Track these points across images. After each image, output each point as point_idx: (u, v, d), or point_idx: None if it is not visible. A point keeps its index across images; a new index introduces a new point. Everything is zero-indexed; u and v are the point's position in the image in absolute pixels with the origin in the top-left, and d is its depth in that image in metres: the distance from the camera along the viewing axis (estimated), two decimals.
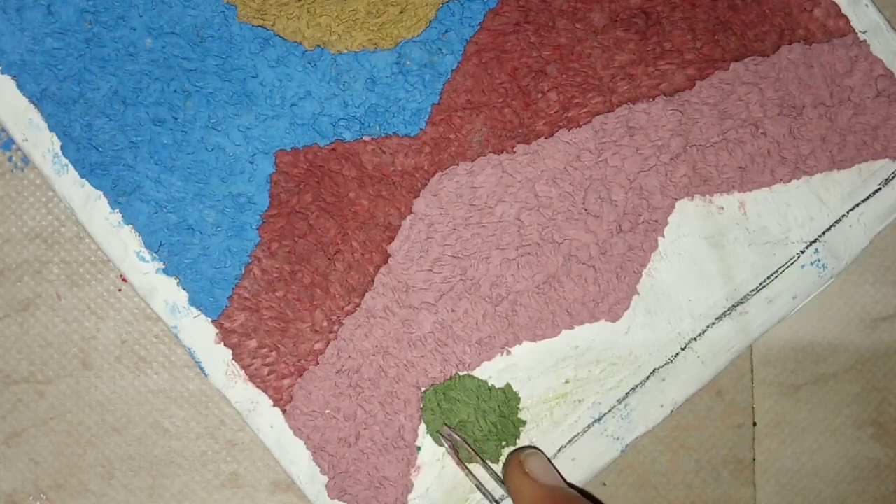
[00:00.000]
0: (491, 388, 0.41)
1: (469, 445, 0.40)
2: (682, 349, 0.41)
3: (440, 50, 0.41)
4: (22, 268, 0.43)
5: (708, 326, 0.42)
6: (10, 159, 0.43)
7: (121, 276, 0.43)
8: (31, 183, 0.43)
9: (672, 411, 0.41)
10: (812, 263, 0.42)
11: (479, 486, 0.39)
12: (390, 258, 0.40)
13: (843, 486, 0.45)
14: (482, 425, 0.41)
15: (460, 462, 0.40)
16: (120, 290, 0.43)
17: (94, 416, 0.43)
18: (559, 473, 0.40)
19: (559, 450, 0.41)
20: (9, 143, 0.43)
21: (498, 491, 0.40)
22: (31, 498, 0.43)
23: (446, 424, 0.40)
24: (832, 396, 0.45)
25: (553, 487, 0.37)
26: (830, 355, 0.45)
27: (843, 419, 0.45)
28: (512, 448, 0.41)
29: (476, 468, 0.40)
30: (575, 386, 0.41)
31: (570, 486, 0.40)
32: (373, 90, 0.41)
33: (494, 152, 0.41)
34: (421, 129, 0.41)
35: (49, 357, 0.43)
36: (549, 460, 0.40)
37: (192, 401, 0.43)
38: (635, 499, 0.45)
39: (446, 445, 0.40)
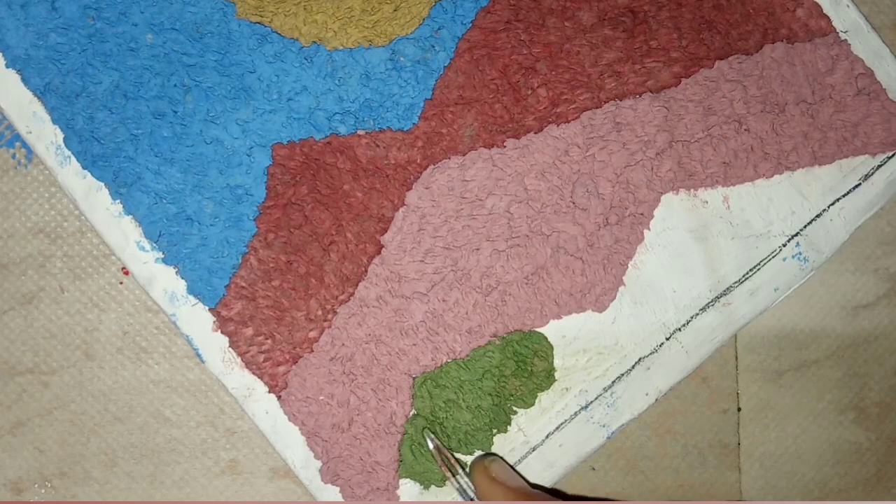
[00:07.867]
0: (482, 375, 0.41)
1: (449, 454, 0.41)
2: (667, 339, 0.42)
3: (433, 47, 0.41)
4: (26, 262, 0.43)
5: (692, 317, 0.42)
6: (13, 156, 0.43)
7: (122, 268, 0.44)
8: (34, 179, 0.43)
9: (657, 399, 0.42)
10: (793, 256, 0.43)
11: (461, 490, 0.40)
12: (383, 249, 0.41)
13: (826, 469, 0.46)
14: (473, 412, 0.41)
15: (444, 464, 0.41)
16: (121, 283, 0.44)
17: (97, 405, 0.44)
18: (521, 476, 0.41)
19: (547, 436, 0.42)
20: (12, 140, 0.43)
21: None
22: (36, 485, 0.44)
23: (428, 427, 0.41)
24: (814, 382, 0.46)
25: (518, 489, 0.39)
26: (812, 342, 0.45)
27: (825, 404, 0.46)
28: (503, 434, 0.42)
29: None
30: (562, 374, 0.42)
31: (533, 485, 0.42)
32: (367, 86, 0.41)
33: (485, 146, 0.41)
34: (414, 123, 0.41)
35: (53, 348, 0.44)
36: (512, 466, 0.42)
37: (192, 390, 0.44)
38: (623, 483, 0.45)
39: (431, 447, 0.41)
